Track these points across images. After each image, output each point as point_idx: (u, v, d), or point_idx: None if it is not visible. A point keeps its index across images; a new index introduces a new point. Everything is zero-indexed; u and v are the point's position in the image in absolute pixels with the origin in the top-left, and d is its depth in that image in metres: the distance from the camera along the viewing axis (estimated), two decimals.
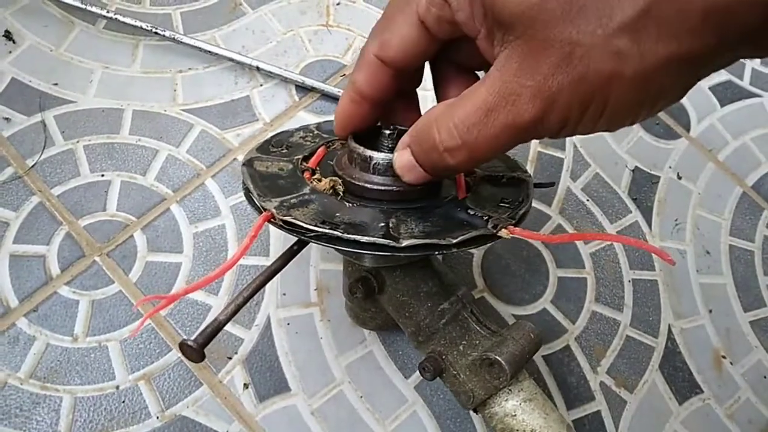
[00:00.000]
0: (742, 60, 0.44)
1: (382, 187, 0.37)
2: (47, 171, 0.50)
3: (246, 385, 0.45)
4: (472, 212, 0.35)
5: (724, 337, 0.53)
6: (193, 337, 0.28)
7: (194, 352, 0.28)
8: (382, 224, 0.33)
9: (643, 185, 0.59)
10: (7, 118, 0.52)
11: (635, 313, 0.52)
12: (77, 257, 0.47)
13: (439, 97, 0.34)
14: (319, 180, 0.38)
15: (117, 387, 0.44)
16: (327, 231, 0.31)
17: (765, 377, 0.52)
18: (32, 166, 0.50)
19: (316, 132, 0.46)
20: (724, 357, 0.52)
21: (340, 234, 0.31)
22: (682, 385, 0.50)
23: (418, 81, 0.35)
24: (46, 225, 0.48)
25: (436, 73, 0.34)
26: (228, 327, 0.46)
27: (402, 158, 0.31)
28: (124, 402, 0.43)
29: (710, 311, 0.54)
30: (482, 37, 0.27)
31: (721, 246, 0.58)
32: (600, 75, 0.22)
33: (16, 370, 0.43)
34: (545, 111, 0.24)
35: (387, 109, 0.35)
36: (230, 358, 0.46)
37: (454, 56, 0.32)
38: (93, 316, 0.46)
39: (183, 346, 0.28)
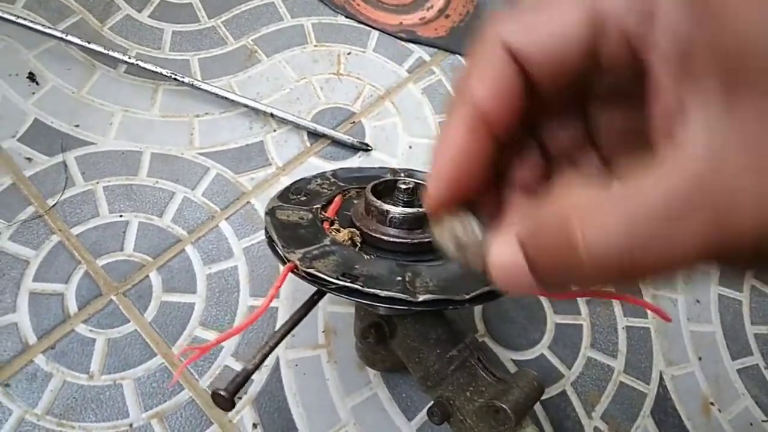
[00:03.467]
0: None
1: (398, 239, 0.39)
2: (67, 211, 0.52)
3: (255, 425, 0.47)
4: None
5: (713, 384, 0.55)
6: (223, 386, 0.30)
7: (225, 401, 0.29)
8: (399, 278, 0.35)
9: None
10: (29, 158, 0.53)
11: (628, 360, 0.54)
12: (94, 296, 0.49)
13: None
14: (338, 230, 0.40)
15: (131, 425, 0.45)
16: (348, 284, 0.33)
17: (751, 424, 0.54)
18: (53, 205, 0.52)
19: (332, 180, 0.48)
20: (712, 404, 0.54)
21: (360, 287, 0.33)
22: (672, 431, 0.52)
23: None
24: (65, 264, 0.50)
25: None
26: (238, 368, 0.47)
27: (503, 254, 0.18)
28: None
29: (700, 359, 0.56)
30: (668, 80, 0.16)
31: (710, 295, 0.60)
32: None
33: (33, 406, 0.44)
34: None
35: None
36: (240, 398, 0.47)
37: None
38: (109, 354, 0.47)
39: (215, 395, 0.29)
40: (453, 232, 0.21)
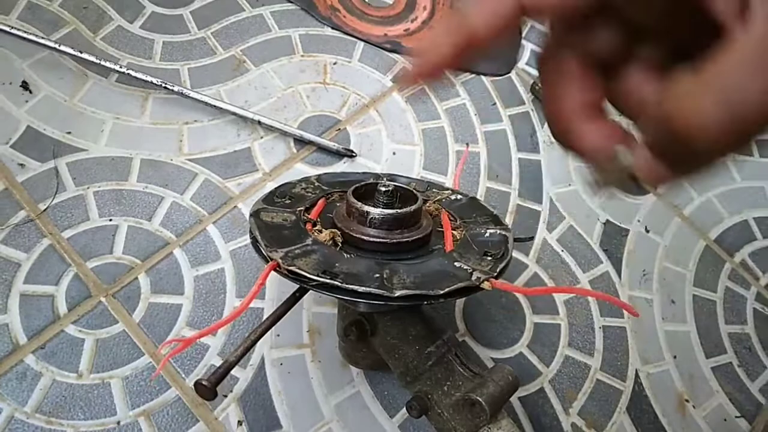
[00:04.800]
0: None
1: (377, 240, 0.41)
2: (58, 215, 0.53)
3: (240, 422, 0.48)
4: (458, 264, 0.39)
5: (688, 382, 0.57)
6: (206, 377, 0.31)
7: (208, 390, 0.31)
8: (377, 275, 0.36)
9: (614, 237, 0.64)
10: (21, 164, 0.55)
11: (605, 358, 0.56)
12: (84, 297, 0.50)
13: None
14: (320, 231, 0.42)
15: (118, 422, 0.46)
16: (328, 281, 0.35)
17: (725, 420, 0.56)
18: (44, 210, 0.53)
19: (316, 184, 0.50)
20: (687, 401, 0.56)
21: (339, 284, 0.34)
22: (648, 427, 0.54)
23: None
24: (56, 266, 0.51)
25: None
26: None
27: (638, 160, 0.22)
28: None
29: (675, 357, 0.58)
30: None
31: (685, 296, 0.62)
32: None
33: (22, 404, 0.45)
34: None
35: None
36: (226, 396, 0.49)
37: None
38: (97, 354, 0.48)
39: (198, 385, 0.31)
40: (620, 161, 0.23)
